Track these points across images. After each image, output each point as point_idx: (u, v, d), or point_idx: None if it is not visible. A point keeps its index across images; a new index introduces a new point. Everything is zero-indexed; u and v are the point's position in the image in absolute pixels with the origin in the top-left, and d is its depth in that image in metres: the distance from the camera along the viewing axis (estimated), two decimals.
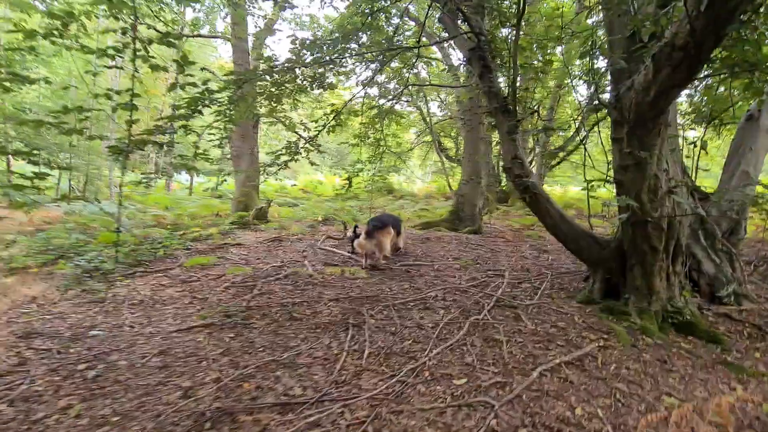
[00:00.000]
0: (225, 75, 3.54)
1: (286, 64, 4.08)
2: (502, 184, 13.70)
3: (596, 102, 3.17)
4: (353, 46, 5.08)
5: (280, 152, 5.61)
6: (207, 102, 3.40)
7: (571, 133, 11.85)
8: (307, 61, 4.20)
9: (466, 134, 8.75)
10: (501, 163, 14.34)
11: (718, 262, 3.87)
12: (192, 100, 3.31)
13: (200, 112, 3.40)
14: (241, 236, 7.36)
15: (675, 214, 3.10)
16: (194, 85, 3.16)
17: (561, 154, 12.83)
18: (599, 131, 4.34)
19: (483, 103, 8.62)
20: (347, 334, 3.18)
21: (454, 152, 17.24)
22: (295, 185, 18.03)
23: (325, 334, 3.20)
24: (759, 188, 4.05)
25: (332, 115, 5.59)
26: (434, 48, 15.56)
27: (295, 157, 5.85)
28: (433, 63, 17.18)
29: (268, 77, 4.54)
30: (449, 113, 16.05)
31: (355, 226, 5.41)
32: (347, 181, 6.73)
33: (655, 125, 2.85)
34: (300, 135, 8.05)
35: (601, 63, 3.58)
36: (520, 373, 2.59)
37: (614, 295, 3.67)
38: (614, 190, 3.46)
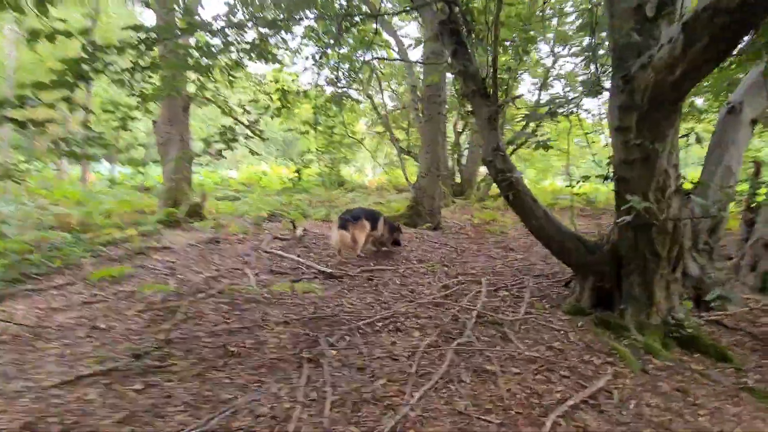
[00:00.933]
0: (125, 28, 2.57)
1: (217, 23, 3.15)
2: (456, 176, 13.42)
3: (595, 84, 2.66)
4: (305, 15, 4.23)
5: (213, 138, 4.66)
6: (98, 66, 2.42)
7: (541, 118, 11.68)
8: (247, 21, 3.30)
9: (424, 125, 8.18)
10: (456, 156, 14.11)
11: (701, 263, 3.61)
12: (72, 62, 2.31)
13: (85, 79, 2.41)
14: (168, 238, 6.22)
15: (691, 216, 2.70)
16: (67, 34, 2.18)
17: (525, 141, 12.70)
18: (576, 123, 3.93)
19: (442, 91, 8.11)
20: (301, 373, 2.43)
21: (406, 144, 16.75)
22: (232, 177, 16.55)
23: (271, 377, 2.42)
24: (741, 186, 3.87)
25: (276, 95, 4.71)
26: (389, 37, 14.87)
27: (232, 145, 4.92)
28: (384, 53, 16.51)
29: (193, 44, 3.57)
30: (402, 104, 15.48)
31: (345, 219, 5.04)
32: (296, 174, 5.88)
33: (674, 111, 2.40)
34: (237, 119, 7.02)
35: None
36: (528, 422, 2.02)
37: (605, 304, 3.26)
38: (608, 187, 3.01)
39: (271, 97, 5.25)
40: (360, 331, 2.99)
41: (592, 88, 2.57)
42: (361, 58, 7.65)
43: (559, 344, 2.82)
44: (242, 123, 5.26)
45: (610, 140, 2.85)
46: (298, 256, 5.12)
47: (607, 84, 2.75)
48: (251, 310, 3.37)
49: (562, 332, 2.99)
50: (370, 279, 4.31)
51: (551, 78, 10.07)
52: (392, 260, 5.20)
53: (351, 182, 16.91)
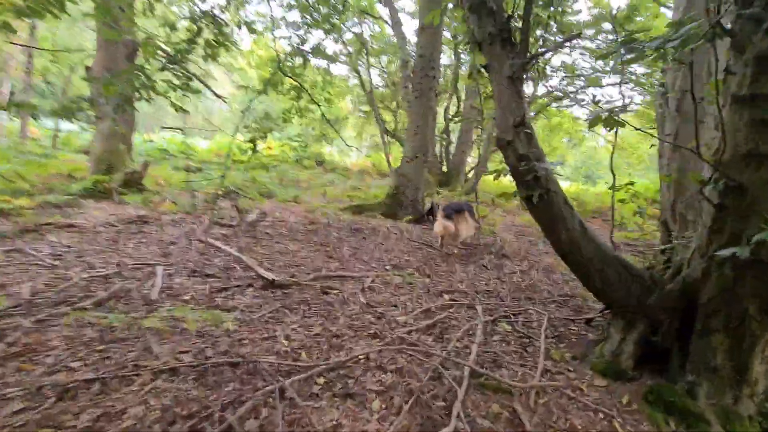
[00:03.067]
0: None
1: None
2: (444, 165, 12.25)
3: (715, 26, 1.48)
4: None
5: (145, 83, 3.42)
6: None
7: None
8: None
9: (413, 102, 6.93)
10: (444, 142, 12.89)
11: None
12: None
13: None
14: (84, 212, 4.86)
15: None
16: None
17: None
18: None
19: (436, 63, 6.84)
20: None
21: (392, 126, 15.42)
22: (201, 147, 14.92)
23: None
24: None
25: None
26: (383, 9, 13.34)
27: (172, 98, 3.64)
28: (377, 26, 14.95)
29: None
30: (392, 80, 14.08)
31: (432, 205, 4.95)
32: (251, 145, 4.58)
33: None
34: (188, 71, 5.63)
35: None
36: None
37: (654, 365, 2.18)
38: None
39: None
40: (285, 394, 1.82)
41: (711, 31, 1.42)
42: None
43: None
44: (192, 75, 3.91)
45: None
46: (240, 250, 3.88)
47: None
48: (128, 343, 2.13)
49: (600, 414, 1.90)
50: (326, 292, 3.12)
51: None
52: (362, 263, 4.02)
53: (331, 162, 15.56)
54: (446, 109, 13.01)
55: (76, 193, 5.61)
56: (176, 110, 4.03)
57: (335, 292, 3.15)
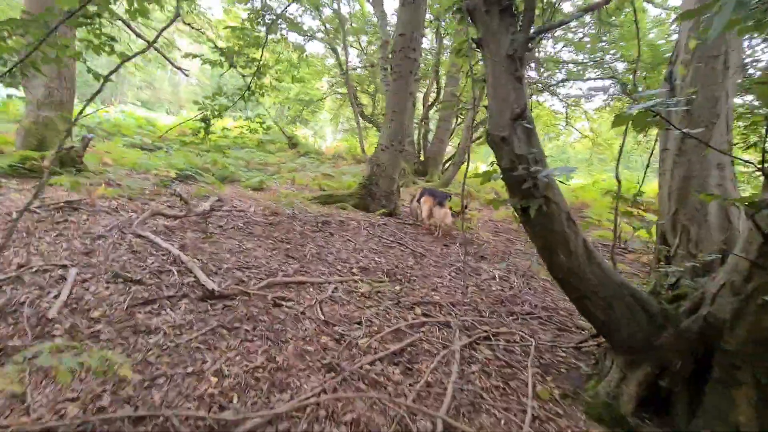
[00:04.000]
0: None
1: None
2: (421, 154, 11.78)
3: None
4: None
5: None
6: None
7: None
8: None
9: (392, 85, 6.37)
10: (422, 130, 12.39)
11: None
12: None
13: None
14: (1, 195, 4.10)
15: None
16: None
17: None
18: None
19: (417, 44, 6.29)
20: None
21: (370, 111, 14.76)
22: (164, 123, 13.79)
23: None
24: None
25: None
26: None
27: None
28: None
29: None
30: (370, 62, 13.37)
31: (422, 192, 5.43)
32: (203, 124, 3.94)
33: None
34: (136, 32, 4.89)
35: None
36: None
37: (654, 403, 1.84)
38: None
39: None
40: None
41: None
42: None
43: None
44: (154, 46, 3.19)
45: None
46: (182, 248, 3.30)
47: None
48: None
49: None
50: (278, 304, 2.62)
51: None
52: (326, 265, 3.53)
53: (305, 146, 14.78)
54: (425, 95, 12.47)
55: None
56: (94, 77, 3.32)
57: (289, 304, 2.65)
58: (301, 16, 14.45)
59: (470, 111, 10.09)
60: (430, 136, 12.27)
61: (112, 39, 2.57)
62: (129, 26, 5.94)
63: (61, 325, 2.04)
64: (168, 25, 2.91)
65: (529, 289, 3.62)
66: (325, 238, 4.30)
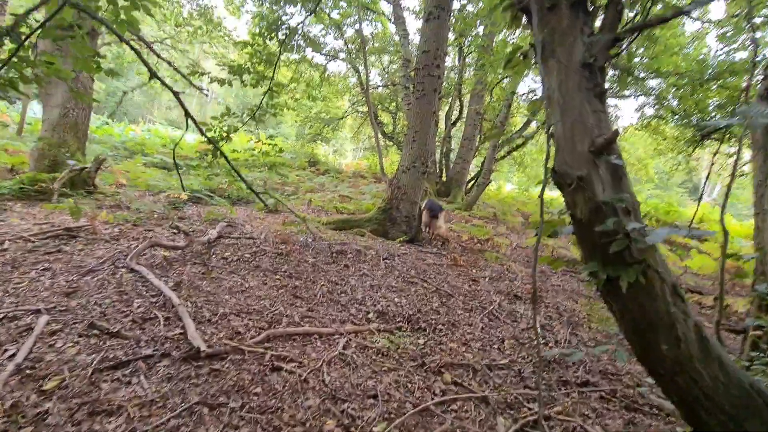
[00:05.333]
0: None
1: None
2: (444, 174, 11.28)
3: None
4: None
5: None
6: None
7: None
8: None
9: (414, 104, 5.95)
10: (444, 149, 11.91)
11: None
12: None
13: None
14: (3, 219, 3.84)
15: None
16: None
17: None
18: None
19: (441, 61, 5.87)
20: None
21: (390, 129, 14.43)
22: (188, 141, 13.85)
23: None
24: None
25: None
26: (387, 6, 12.35)
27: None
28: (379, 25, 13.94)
29: None
30: (392, 80, 13.10)
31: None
32: (212, 146, 3.58)
33: None
34: (150, 47, 4.66)
35: None
36: None
37: None
38: None
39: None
40: None
41: None
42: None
43: None
44: (170, 64, 2.87)
45: None
46: (177, 286, 2.89)
47: None
48: None
49: None
50: (277, 367, 2.13)
51: None
52: (338, 307, 3.04)
53: (324, 164, 14.55)
54: (447, 113, 12.05)
55: (5, 192, 4.57)
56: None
57: (291, 366, 2.16)
58: (324, 36, 14.49)
59: (496, 129, 9.56)
60: (453, 156, 11.78)
61: (98, 55, 2.22)
62: (149, 45, 5.77)
63: (1, 402, 1.61)
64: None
65: (579, 342, 3.00)
66: (340, 271, 3.82)
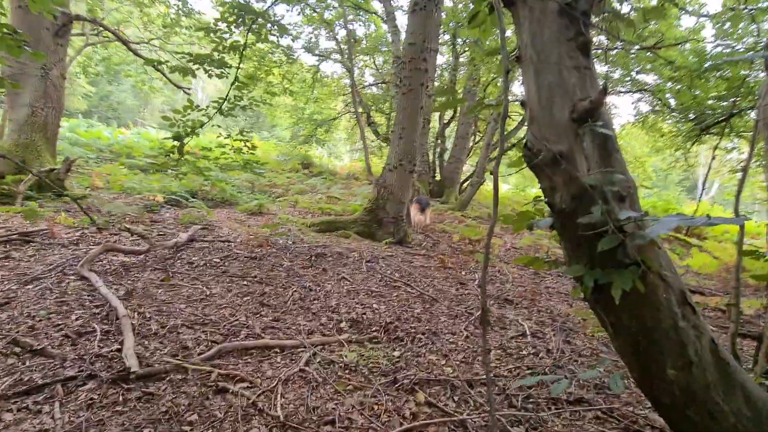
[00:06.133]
0: None
1: None
2: (437, 174, 11.00)
3: None
4: None
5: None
6: None
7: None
8: None
9: (400, 99, 5.69)
10: (437, 148, 11.64)
11: None
12: None
13: None
14: None
15: None
16: None
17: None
18: None
19: (429, 54, 5.60)
20: None
21: (384, 130, 14.17)
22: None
23: None
24: None
25: None
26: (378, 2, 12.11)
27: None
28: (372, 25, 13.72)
29: None
30: (383, 80, 12.85)
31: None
32: (176, 144, 3.30)
33: None
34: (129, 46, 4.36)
35: None
36: None
37: None
38: None
39: None
40: None
41: None
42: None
43: None
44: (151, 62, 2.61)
45: None
46: (127, 294, 2.60)
47: None
48: None
49: None
50: (223, 389, 1.83)
51: None
52: (309, 315, 2.75)
53: (319, 165, 14.26)
54: (441, 115, 11.78)
55: None
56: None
57: (239, 386, 1.87)
58: (316, 38, 14.24)
59: (489, 126, 9.29)
60: (446, 155, 11.50)
61: (15, 32, 1.94)
62: (123, 41, 5.50)
63: None
64: None
65: (572, 352, 2.71)
66: (316, 276, 3.53)
